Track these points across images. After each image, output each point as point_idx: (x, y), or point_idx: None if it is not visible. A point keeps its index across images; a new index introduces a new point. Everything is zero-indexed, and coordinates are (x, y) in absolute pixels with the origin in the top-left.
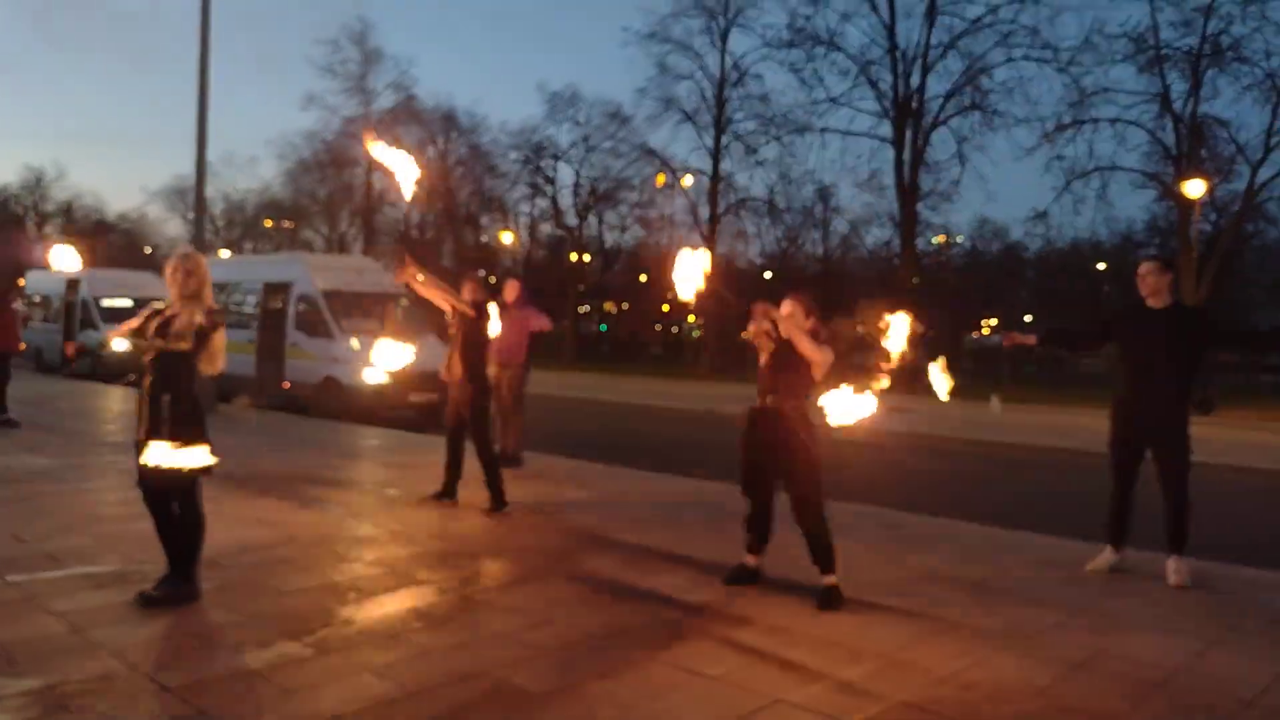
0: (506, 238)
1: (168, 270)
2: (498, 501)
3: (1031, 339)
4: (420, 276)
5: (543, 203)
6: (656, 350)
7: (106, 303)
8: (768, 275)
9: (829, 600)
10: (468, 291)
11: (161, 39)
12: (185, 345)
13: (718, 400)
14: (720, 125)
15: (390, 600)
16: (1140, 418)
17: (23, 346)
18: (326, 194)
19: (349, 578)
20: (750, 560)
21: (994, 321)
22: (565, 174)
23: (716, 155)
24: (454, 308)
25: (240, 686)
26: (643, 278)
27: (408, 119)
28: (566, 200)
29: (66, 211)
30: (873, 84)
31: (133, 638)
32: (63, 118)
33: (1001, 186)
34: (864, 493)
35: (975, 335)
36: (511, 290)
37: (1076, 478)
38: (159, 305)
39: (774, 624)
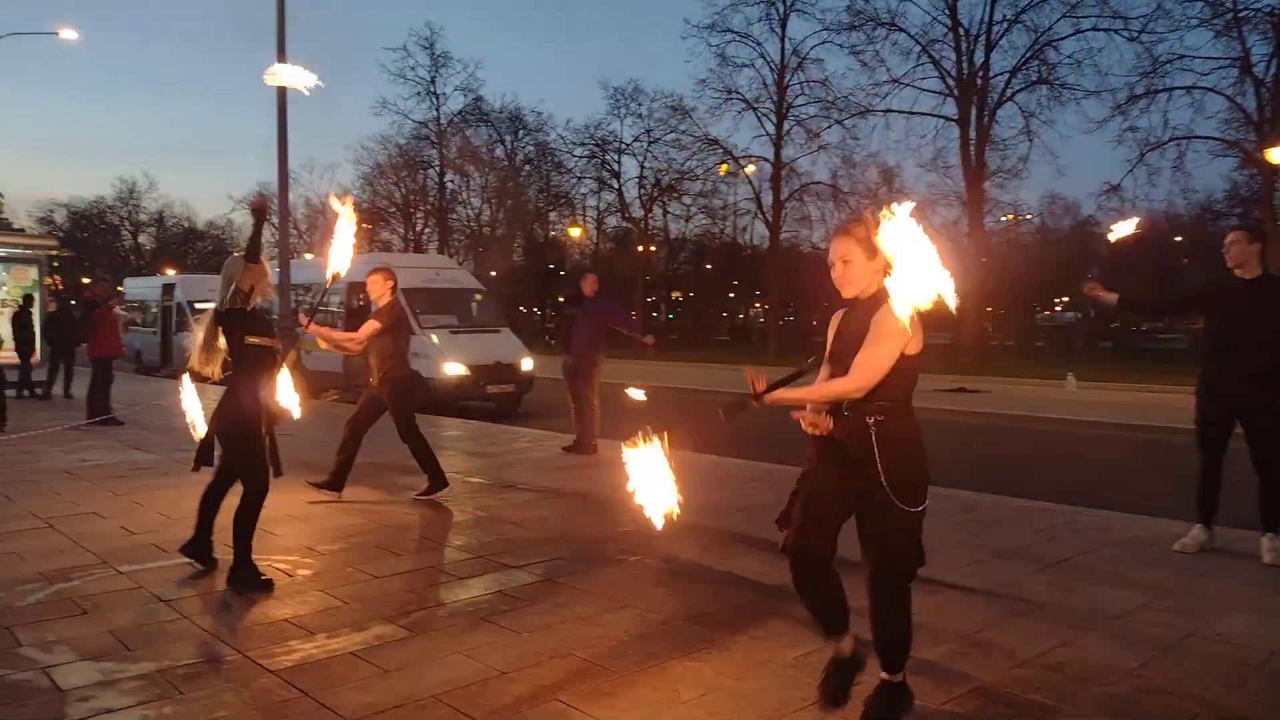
0: (575, 232)
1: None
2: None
3: (1113, 296)
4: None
5: (609, 196)
6: (723, 336)
7: (202, 306)
8: None
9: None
10: (374, 288)
11: (241, 53)
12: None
13: None
14: (781, 112)
15: (477, 583)
16: (1230, 392)
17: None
18: (402, 196)
19: (438, 562)
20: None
21: (1065, 299)
22: (630, 167)
23: (778, 142)
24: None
25: (340, 668)
26: (708, 266)
27: (476, 120)
28: (632, 193)
29: (159, 221)
30: (935, 63)
31: (236, 623)
32: (152, 131)
33: (1071, 161)
34: (938, 474)
35: (1047, 313)
36: (589, 284)
37: (1159, 456)
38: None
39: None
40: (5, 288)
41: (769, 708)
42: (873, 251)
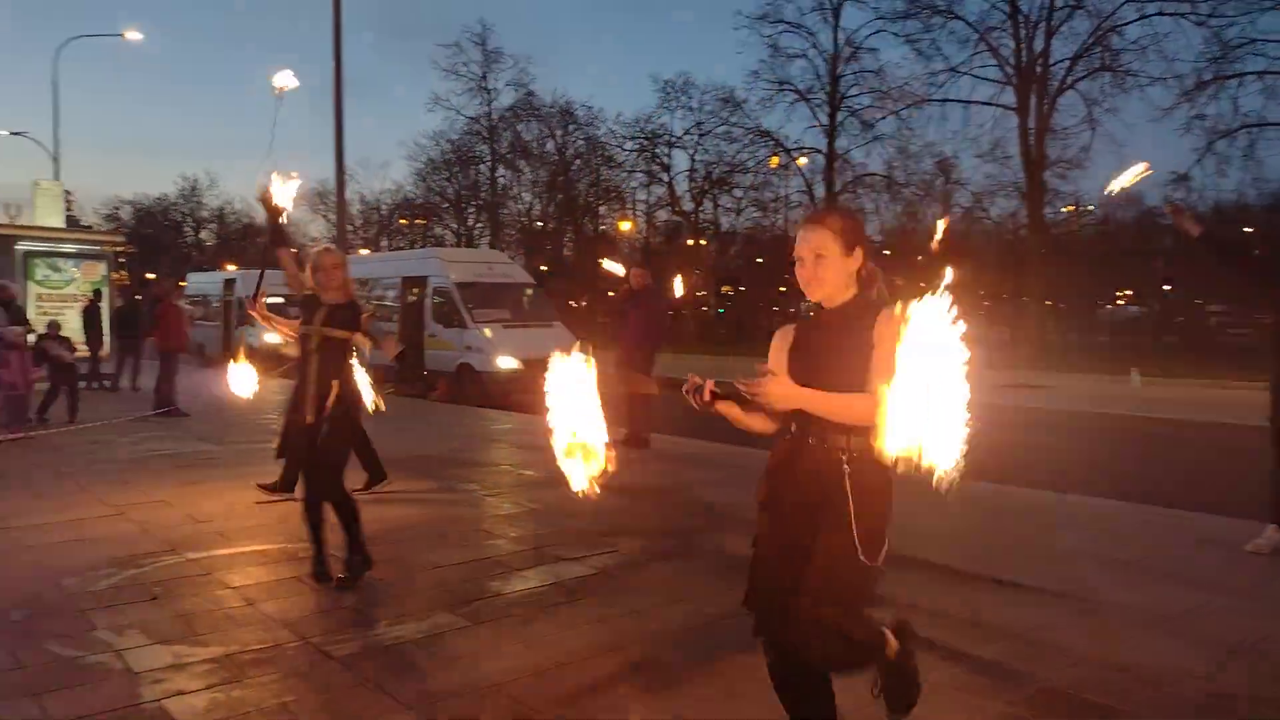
0: (625, 226)
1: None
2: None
3: (1198, 228)
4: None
5: (659, 190)
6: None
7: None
8: (887, 253)
9: None
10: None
11: (299, 52)
12: (348, 334)
13: None
14: (835, 102)
15: (534, 575)
16: None
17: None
18: (454, 191)
19: (495, 553)
20: None
21: (1129, 292)
22: (680, 160)
23: (831, 133)
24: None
25: (402, 655)
26: (759, 259)
27: (527, 115)
28: (682, 186)
29: (219, 217)
30: (994, 51)
31: (300, 610)
32: (213, 129)
33: (1136, 150)
34: (1000, 473)
35: (1109, 307)
36: (639, 278)
37: (1229, 454)
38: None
39: (911, 602)
40: (76, 282)
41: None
42: (850, 246)
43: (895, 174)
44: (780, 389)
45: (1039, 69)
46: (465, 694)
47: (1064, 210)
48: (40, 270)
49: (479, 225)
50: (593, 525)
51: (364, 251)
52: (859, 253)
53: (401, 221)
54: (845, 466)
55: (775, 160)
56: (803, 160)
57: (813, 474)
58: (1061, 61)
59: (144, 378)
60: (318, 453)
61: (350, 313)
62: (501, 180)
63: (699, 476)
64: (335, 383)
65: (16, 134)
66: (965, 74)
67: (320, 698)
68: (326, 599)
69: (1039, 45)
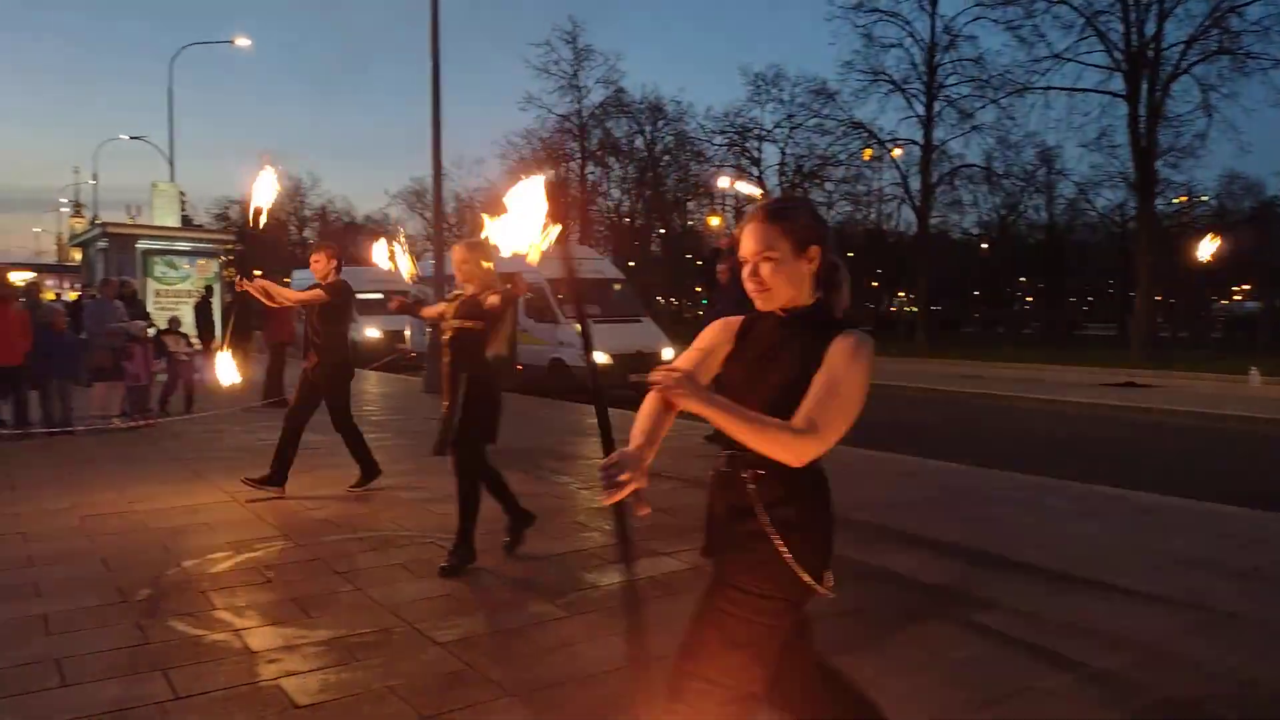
0: (713, 221)
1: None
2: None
3: None
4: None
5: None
6: (866, 327)
7: (362, 296)
8: (985, 246)
9: None
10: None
11: (398, 52)
12: (479, 325)
13: (937, 379)
14: (932, 92)
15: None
16: None
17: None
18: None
19: (591, 546)
20: None
21: (1246, 287)
22: (770, 154)
23: (928, 123)
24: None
25: (503, 644)
26: (850, 254)
27: (617, 112)
28: (772, 180)
29: (321, 216)
30: (1101, 35)
31: (405, 596)
32: (316, 130)
33: (1256, 137)
34: (1108, 474)
35: (1224, 302)
36: (722, 271)
37: None
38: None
39: (1019, 608)
40: (190, 279)
41: (933, 709)
42: (805, 243)
43: (994, 165)
44: (687, 388)
45: (1150, 54)
46: (565, 684)
47: (1175, 201)
48: (158, 267)
49: (568, 222)
50: (685, 520)
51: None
52: (814, 251)
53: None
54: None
55: (869, 152)
56: (897, 152)
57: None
58: (1175, 45)
59: (252, 370)
60: (456, 438)
61: (478, 304)
62: (590, 177)
63: None
64: (464, 376)
65: (136, 138)
66: (1070, 60)
67: (425, 682)
68: (429, 586)
69: (1150, 29)
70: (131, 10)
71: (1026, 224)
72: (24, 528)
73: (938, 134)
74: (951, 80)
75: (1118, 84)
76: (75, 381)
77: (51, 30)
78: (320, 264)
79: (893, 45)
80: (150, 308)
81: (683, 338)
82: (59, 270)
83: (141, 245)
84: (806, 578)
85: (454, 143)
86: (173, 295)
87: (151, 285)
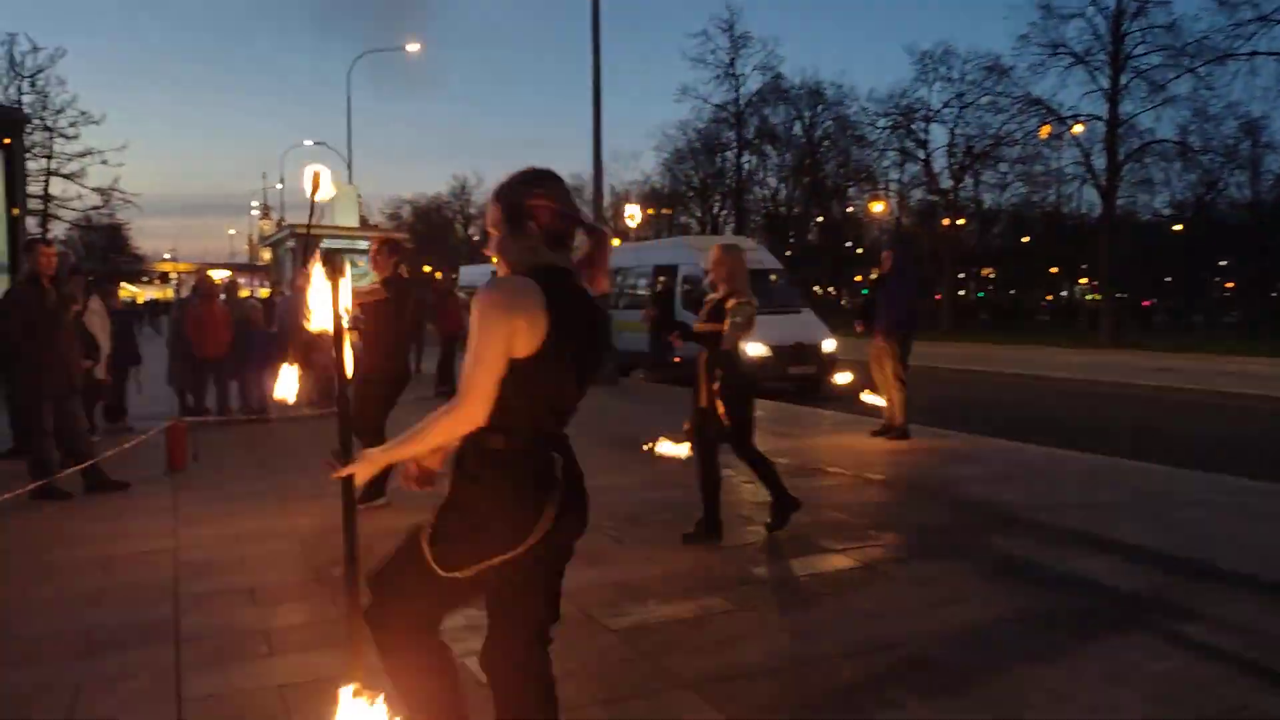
0: (876, 207)
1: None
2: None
3: None
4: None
5: (913, 168)
6: (1043, 316)
7: None
8: (1178, 228)
9: None
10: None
11: (558, 50)
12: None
13: (1124, 371)
14: (1118, 63)
15: (797, 564)
16: None
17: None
18: (700, 179)
19: (757, 540)
20: None
21: None
22: (938, 136)
23: (1114, 97)
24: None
25: (674, 633)
26: (1025, 239)
27: (775, 99)
28: (940, 163)
29: (484, 214)
30: None
31: (575, 582)
32: (481, 130)
33: None
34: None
35: None
36: (884, 261)
37: None
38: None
39: (1228, 619)
40: (368, 276)
41: None
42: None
43: (1190, 139)
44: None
45: None
46: (736, 677)
47: None
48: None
49: (723, 212)
50: (854, 518)
51: (615, 242)
52: (531, 226)
53: (648, 212)
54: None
55: (1046, 130)
56: (1078, 128)
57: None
58: None
59: (426, 361)
60: (728, 429)
61: (719, 306)
62: (747, 166)
63: (965, 473)
64: (717, 370)
65: (319, 144)
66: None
67: (600, 668)
68: (601, 574)
69: None
70: (312, 25)
71: (1227, 203)
72: (231, 507)
73: (1125, 108)
74: (1140, 50)
75: None
76: (274, 373)
77: (240, 50)
78: (381, 258)
79: (1074, 15)
80: None
81: (843, 329)
82: (250, 269)
83: (325, 244)
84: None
85: (609, 138)
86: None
87: None
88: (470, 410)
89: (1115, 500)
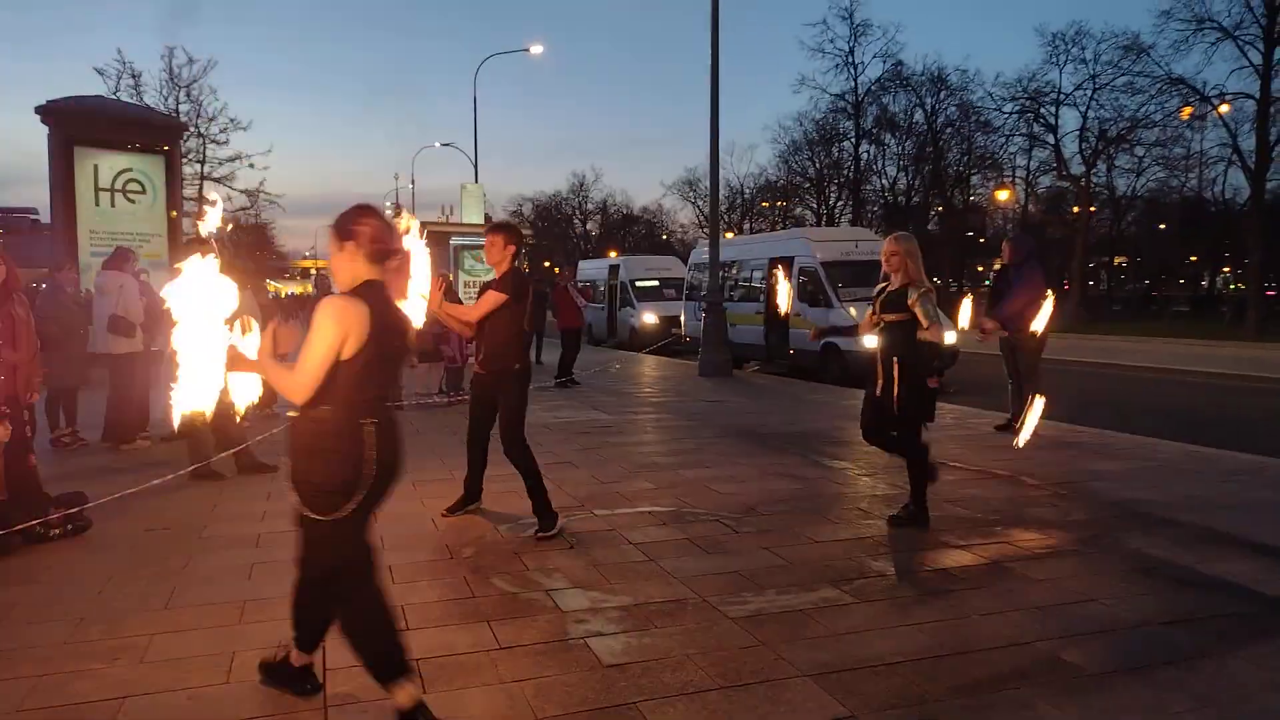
0: (1002, 195)
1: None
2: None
3: None
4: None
5: (1041, 154)
6: (1181, 307)
7: (639, 284)
8: None
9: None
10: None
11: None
12: (903, 316)
13: (1272, 367)
14: (1273, 37)
15: (918, 558)
16: None
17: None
18: (816, 170)
19: (874, 533)
20: None
21: None
22: (1069, 120)
23: (1266, 74)
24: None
25: (792, 624)
26: (1161, 226)
27: (895, 87)
28: (1071, 148)
29: (602, 209)
30: None
31: (695, 570)
32: (599, 127)
33: None
34: None
35: None
36: (1006, 251)
37: None
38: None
39: None
40: (493, 271)
41: None
42: (341, 240)
43: None
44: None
45: None
46: (858, 669)
47: None
48: (467, 261)
49: (840, 203)
50: (979, 513)
51: (729, 235)
52: (350, 246)
53: (764, 204)
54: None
55: (1188, 111)
56: (1225, 108)
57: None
58: None
59: (546, 353)
60: (899, 418)
61: (900, 296)
62: (865, 156)
63: (1100, 468)
64: (895, 359)
65: (446, 145)
66: None
67: (720, 654)
68: (719, 562)
69: None
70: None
71: None
72: None
73: (1278, 85)
74: None
75: None
76: (408, 363)
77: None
78: (495, 249)
79: None
80: (461, 297)
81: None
82: None
83: (454, 241)
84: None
85: (725, 130)
86: (479, 285)
87: (462, 277)
88: (298, 392)
89: (1263, 500)
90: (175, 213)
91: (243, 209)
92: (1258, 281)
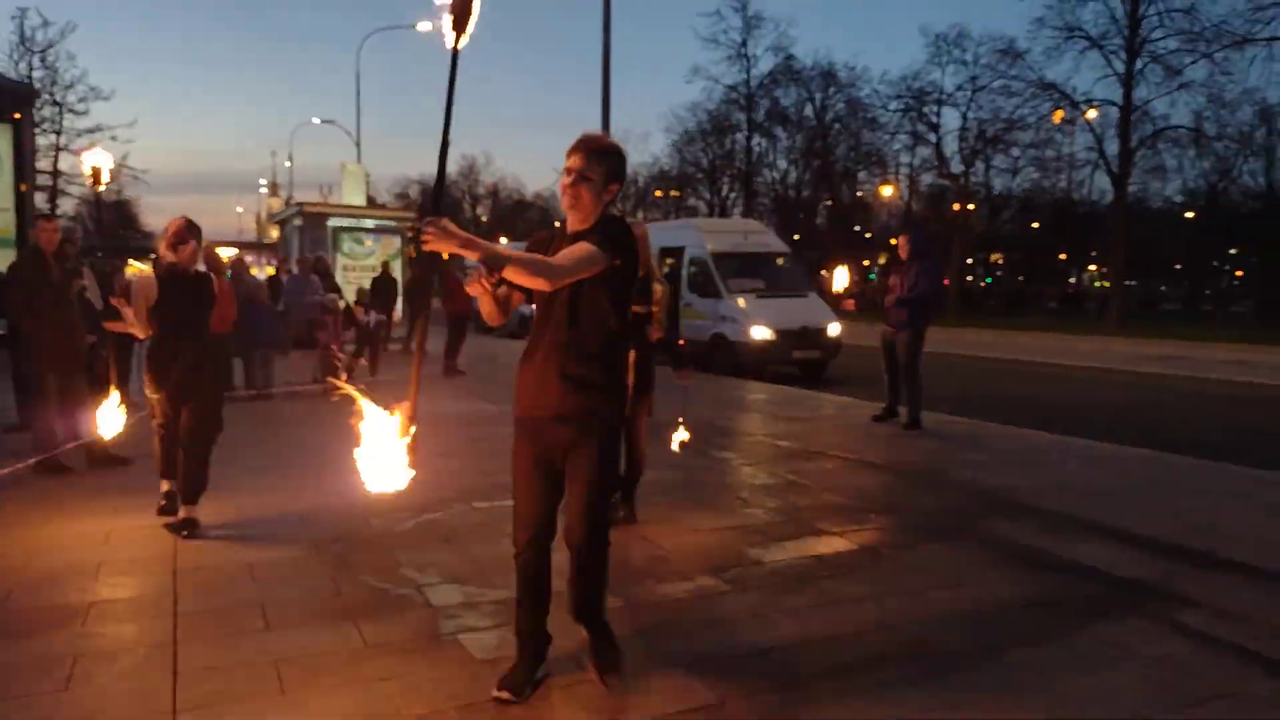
0: (886, 191)
1: None
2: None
3: None
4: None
5: (924, 151)
6: (1051, 303)
7: None
8: (1189, 215)
9: None
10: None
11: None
12: (640, 308)
13: (1132, 360)
14: (1134, 48)
15: (795, 546)
16: None
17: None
18: (709, 161)
19: (754, 522)
20: None
21: None
22: (950, 119)
23: (1129, 82)
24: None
25: (670, 614)
26: (1035, 224)
27: (786, 80)
28: (951, 147)
29: (494, 194)
30: None
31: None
32: (490, 110)
33: None
34: None
35: None
36: (901, 246)
37: None
38: None
39: (1227, 608)
40: (374, 255)
41: (1125, 708)
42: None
43: (1205, 126)
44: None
45: None
46: (734, 656)
47: None
48: (346, 243)
49: (732, 194)
50: (854, 501)
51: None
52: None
53: (657, 194)
54: None
55: (1059, 115)
56: (1092, 113)
57: None
58: None
59: (431, 341)
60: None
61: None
62: (756, 148)
63: (970, 457)
64: None
65: (327, 122)
66: None
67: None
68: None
69: None
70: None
71: (1240, 191)
72: (230, 482)
73: (1139, 93)
74: (1157, 34)
75: None
76: (279, 350)
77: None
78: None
79: None
80: (338, 281)
81: (849, 313)
82: (258, 247)
83: (332, 223)
84: None
85: (619, 118)
86: (359, 270)
87: (340, 260)
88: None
89: (1121, 486)
90: (25, 185)
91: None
92: (1119, 279)
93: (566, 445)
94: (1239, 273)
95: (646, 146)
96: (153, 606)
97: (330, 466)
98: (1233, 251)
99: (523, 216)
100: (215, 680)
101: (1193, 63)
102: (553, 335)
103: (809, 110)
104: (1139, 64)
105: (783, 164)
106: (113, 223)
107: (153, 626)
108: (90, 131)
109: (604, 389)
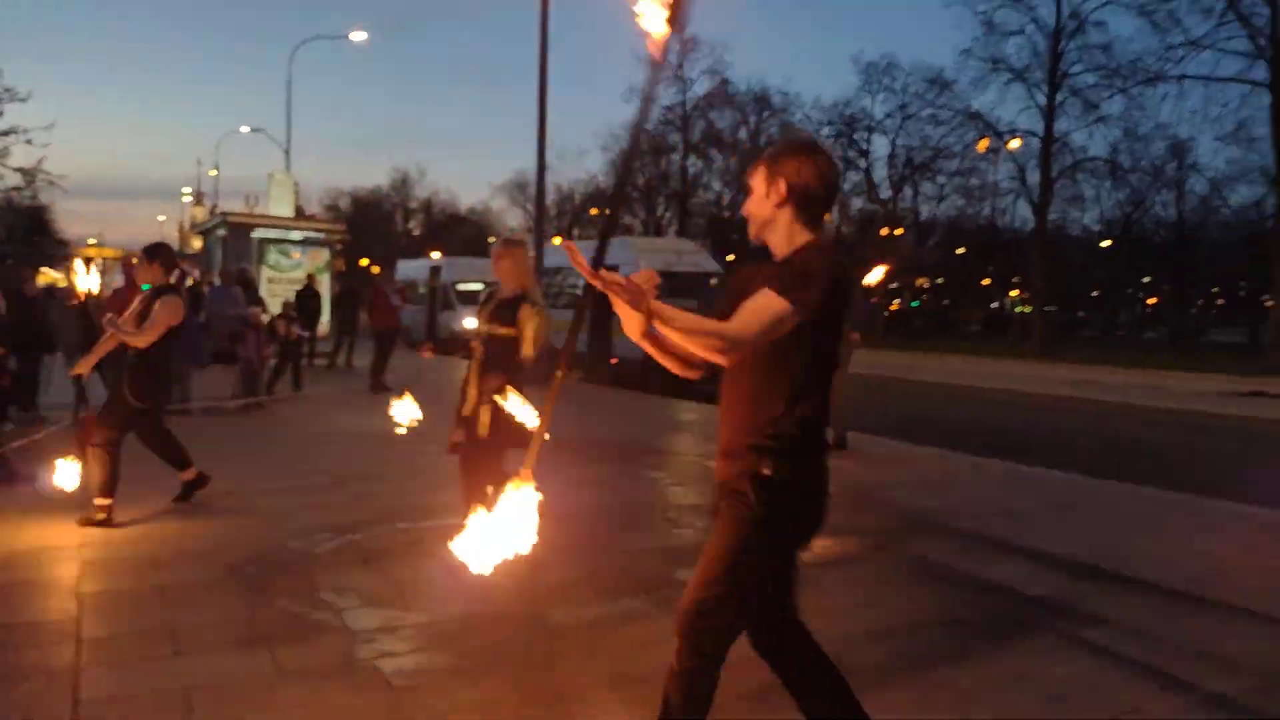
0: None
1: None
2: None
3: None
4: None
5: (855, 177)
6: (975, 327)
7: (461, 287)
8: (1106, 244)
9: None
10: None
11: (503, 47)
12: (509, 331)
13: (1051, 383)
14: (1055, 81)
15: None
16: None
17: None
18: (644, 180)
19: (681, 543)
20: None
21: None
22: (880, 146)
23: (1050, 114)
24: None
25: (592, 634)
26: (960, 250)
27: (721, 103)
28: (880, 173)
29: (427, 208)
30: (1244, 20)
31: (499, 584)
32: (424, 123)
33: None
34: (1232, 488)
35: None
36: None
37: None
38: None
39: (1130, 625)
40: (301, 267)
41: None
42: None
43: (1120, 158)
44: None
45: None
46: (655, 679)
47: None
48: (272, 255)
49: (667, 214)
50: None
51: (556, 241)
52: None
53: (593, 211)
54: None
55: (984, 144)
56: (1015, 143)
57: None
58: None
59: (359, 357)
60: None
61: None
62: (692, 169)
63: (892, 478)
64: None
65: (256, 130)
66: (1208, 48)
67: (519, 669)
68: (523, 574)
69: None
70: (253, 3)
71: (1153, 221)
72: (141, 502)
73: (1059, 125)
74: (1076, 69)
75: (1260, 72)
76: (196, 364)
77: (177, 24)
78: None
79: (1014, 32)
80: (263, 294)
81: None
82: (180, 258)
83: (258, 234)
84: None
85: (556, 134)
86: (285, 283)
87: (265, 273)
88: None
89: (1032, 507)
90: None
91: (17, 189)
92: (1040, 304)
93: None
94: (1151, 300)
95: (583, 164)
96: (54, 631)
97: (249, 486)
98: (1146, 279)
99: (457, 231)
100: (119, 709)
101: (1109, 97)
102: None
103: (743, 133)
104: (1059, 97)
105: (717, 185)
106: (26, 230)
107: (53, 652)
108: (4, 134)
109: None
